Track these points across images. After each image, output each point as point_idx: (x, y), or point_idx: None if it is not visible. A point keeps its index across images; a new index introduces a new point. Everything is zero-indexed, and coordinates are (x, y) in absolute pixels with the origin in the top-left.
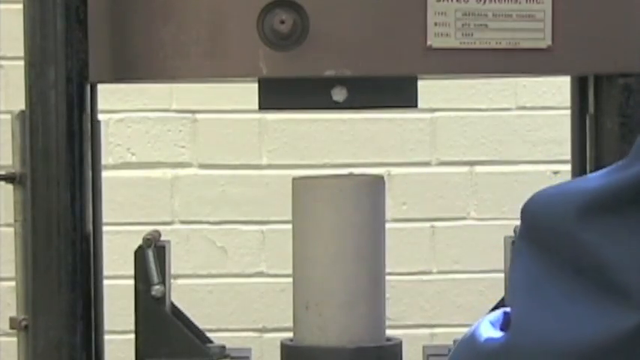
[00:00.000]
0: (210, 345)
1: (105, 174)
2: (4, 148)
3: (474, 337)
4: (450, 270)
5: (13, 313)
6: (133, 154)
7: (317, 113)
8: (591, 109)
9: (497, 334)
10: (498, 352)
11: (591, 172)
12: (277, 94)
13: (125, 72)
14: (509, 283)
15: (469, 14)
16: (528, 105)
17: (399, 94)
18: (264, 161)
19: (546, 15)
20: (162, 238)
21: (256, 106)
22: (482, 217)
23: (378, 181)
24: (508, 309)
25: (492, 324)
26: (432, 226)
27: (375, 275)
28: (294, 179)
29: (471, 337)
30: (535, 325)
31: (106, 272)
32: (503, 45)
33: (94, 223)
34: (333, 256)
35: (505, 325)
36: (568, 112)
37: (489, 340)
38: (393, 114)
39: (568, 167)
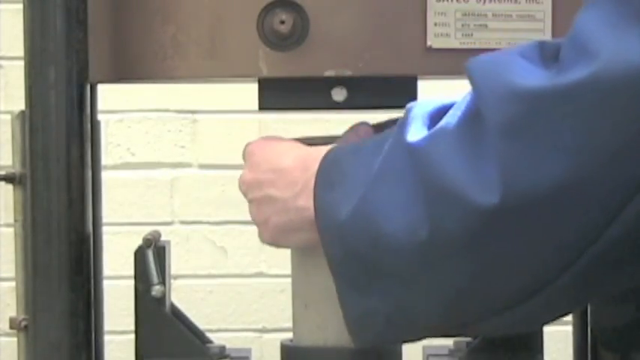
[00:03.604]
0: (210, 345)
1: (105, 174)
2: (4, 148)
3: (507, 75)
4: None
5: (13, 313)
6: (133, 154)
7: (317, 113)
8: None
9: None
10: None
11: None
12: (277, 94)
13: (125, 72)
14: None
15: (469, 14)
16: None
17: (399, 94)
18: None
19: (546, 15)
20: (163, 238)
21: (256, 106)
22: None
23: None
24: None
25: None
26: None
27: None
28: None
29: (501, 75)
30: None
31: (106, 272)
32: (503, 45)
33: (94, 223)
34: None
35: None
36: None
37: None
38: (393, 114)
39: None
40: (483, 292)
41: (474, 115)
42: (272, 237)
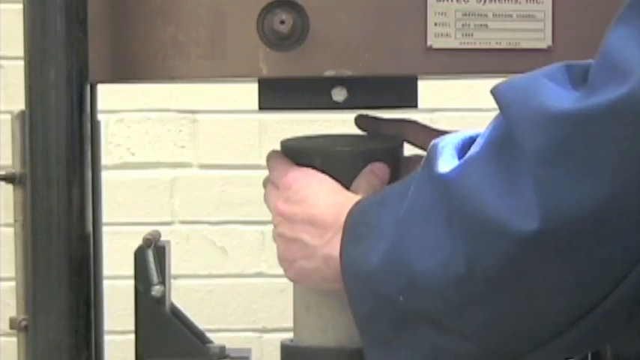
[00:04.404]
0: (210, 345)
1: (105, 174)
2: (4, 148)
3: (535, 97)
4: None
5: (13, 313)
6: (133, 154)
7: (317, 113)
8: None
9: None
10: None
11: None
12: (277, 94)
13: (125, 72)
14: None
15: (469, 14)
16: None
17: (399, 94)
18: (264, 161)
19: (546, 15)
20: (163, 238)
21: (256, 106)
22: None
23: None
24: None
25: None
26: None
27: None
28: None
29: (530, 98)
30: None
31: (106, 272)
32: (504, 45)
33: (94, 223)
34: None
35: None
36: None
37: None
38: (393, 114)
39: None
40: (526, 324)
41: (505, 141)
42: (296, 277)
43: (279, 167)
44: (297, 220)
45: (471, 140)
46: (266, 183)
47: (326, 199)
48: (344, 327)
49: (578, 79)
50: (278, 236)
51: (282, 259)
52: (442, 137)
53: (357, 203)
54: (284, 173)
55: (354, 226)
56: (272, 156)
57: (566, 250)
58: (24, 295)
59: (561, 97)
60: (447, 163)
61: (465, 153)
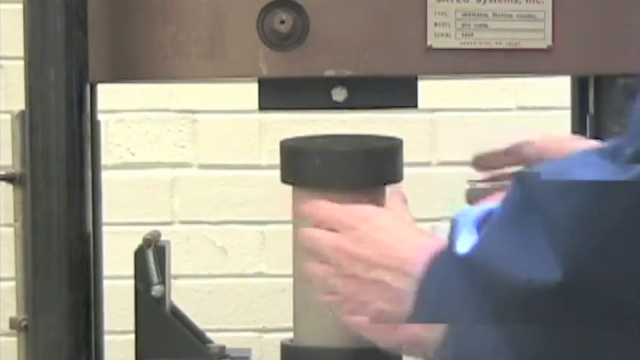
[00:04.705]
0: (210, 345)
1: (105, 174)
2: (4, 148)
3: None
4: None
5: (13, 313)
6: (133, 154)
7: (317, 113)
8: (591, 109)
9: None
10: None
11: None
12: (277, 94)
13: (125, 72)
14: None
15: (469, 14)
16: (528, 105)
17: (399, 94)
18: (264, 161)
19: (546, 15)
20: (163, 238)
21: (256, 106)
22: None
23: None
24: None
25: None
26: (433, 227)
27: None
28: None
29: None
30: None
31: (106, 272)
32: (503, 45)
33: (94, 223)
34: None
35: None
36: (568, 112)
37: None
38: (393, 114)
39: None
40: None
41: (523, 211)
42: (373, 318)
43: (323, 208)
44: (379, 264)
45: (489, 212)
46: (301, 230)
47: (413, 241)
48: (345, 327)
49: (611, 156)
50: (346, 277)
51: (350, 300)
52: (462, 211)
53: (425, 268)
54: (340, 212)
55: (421, 290)
56: (302, 204)
57: (594, 297)
58: (24, 295)
59: (592, 170)
60: (464, 241)
61: (483, 226)
